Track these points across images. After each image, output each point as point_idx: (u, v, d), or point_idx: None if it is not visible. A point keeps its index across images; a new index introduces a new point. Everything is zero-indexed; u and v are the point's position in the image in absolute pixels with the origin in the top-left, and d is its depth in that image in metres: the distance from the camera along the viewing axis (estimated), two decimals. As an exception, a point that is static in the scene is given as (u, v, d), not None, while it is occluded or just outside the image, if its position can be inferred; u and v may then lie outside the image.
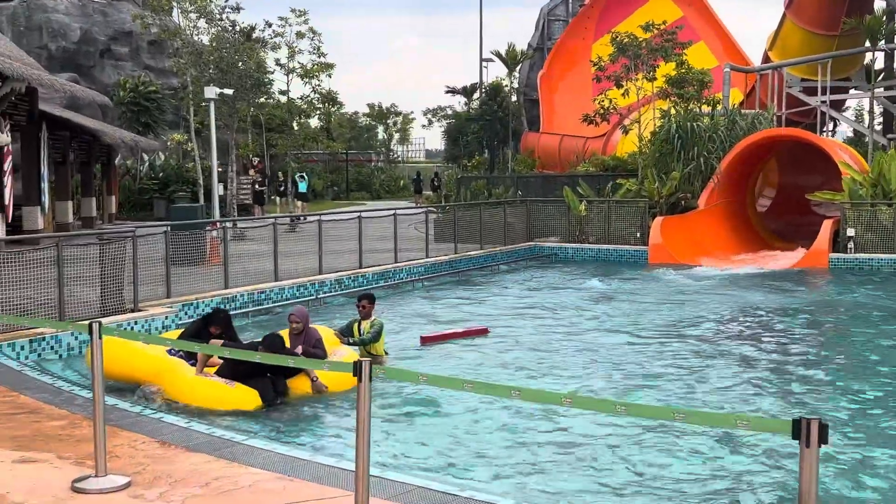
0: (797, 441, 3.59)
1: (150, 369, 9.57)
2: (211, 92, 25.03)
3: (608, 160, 31.18)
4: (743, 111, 27.81)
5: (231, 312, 11.66)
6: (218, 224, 18.27)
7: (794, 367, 11.48)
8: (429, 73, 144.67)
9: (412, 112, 72.12)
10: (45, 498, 5.58)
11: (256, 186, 34.05)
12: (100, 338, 5.92)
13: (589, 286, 19.15)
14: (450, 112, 57.85)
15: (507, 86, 46.52)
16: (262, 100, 35.39)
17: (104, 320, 9.94)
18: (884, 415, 9.15)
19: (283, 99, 39.44)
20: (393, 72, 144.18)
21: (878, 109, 35.31)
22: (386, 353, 11.31)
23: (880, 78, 34.69)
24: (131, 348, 9.52)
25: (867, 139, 32.65)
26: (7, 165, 19.73)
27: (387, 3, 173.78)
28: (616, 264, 23.19)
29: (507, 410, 8.80)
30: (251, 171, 36.48)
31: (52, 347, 11.05)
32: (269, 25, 32.70)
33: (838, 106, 36.50)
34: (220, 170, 28.88)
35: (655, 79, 26.94)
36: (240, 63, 29.12)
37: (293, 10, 34.44)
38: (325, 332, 10.83)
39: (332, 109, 47.29)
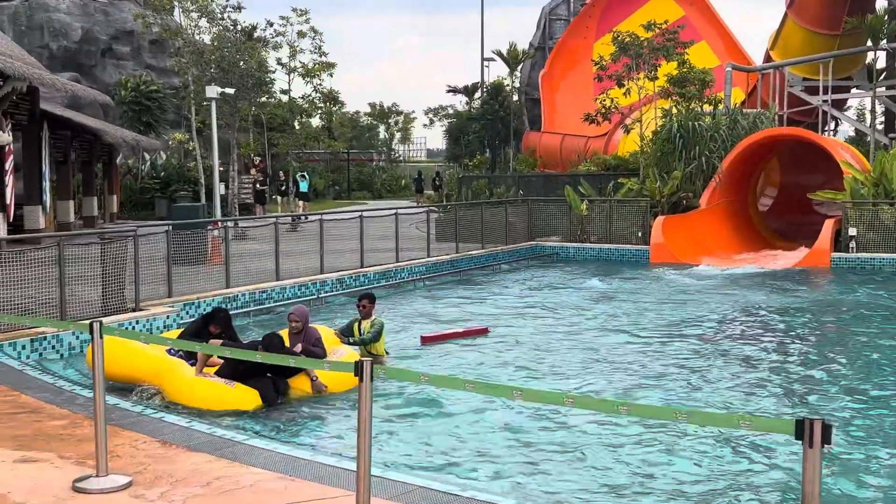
0: (800, 441, 3.57)
1: (150, 370, 9.56)
2: (212, 91, 25.03)
3: (610, 159, 31.17)
4: (744, 110, 27.79)
5: (232, 312, 11.68)
6: (219, 223, 18.27)
7: (795, 366, 11.47)
8: (430, 73, 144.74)
9: (413, 111, 72.27)
10: (46, 498, 5.57)
11: (258, 186, 34.08)
12: (101, 337, 5.91)
13: (590, 286, 19.14)
14: (451, 111, 57.80)
15: (508, 85, 46.46)
16: (264, 99, 35.41)
17: (105, 320, 9.95)
18: (887, 415, 9.13)
19: (285, 98, 39.46)
20: (394, 71, 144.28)
21: (879, 109, 35.24)
22: (387, 353, 11.30)
23: (882, 77, 34.62)
24: (130, 348, 9.50)
25: (869, 138, 32.62)
26: (8, 165, 19.74)
27: (388, 3, 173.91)
28: (617, 264, 23.18)
29: (509, 410, 8.79)
30: (252, 171, 36.50)
31: (53, 347, 11.05)
32: (271, 25, 32.72)
33: (840, 105, 36.48)
34: (221, 169, 28.88)
35: (657, 78, 26.91)
36: (241, 62, 29.12)
37: (294, 10, 34.43)
38: (325, 332, 10.82)
39: (334, 109, 47.26)
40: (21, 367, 9.76)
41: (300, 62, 35.19)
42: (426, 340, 12.57)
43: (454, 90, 52.81)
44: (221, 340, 9.70)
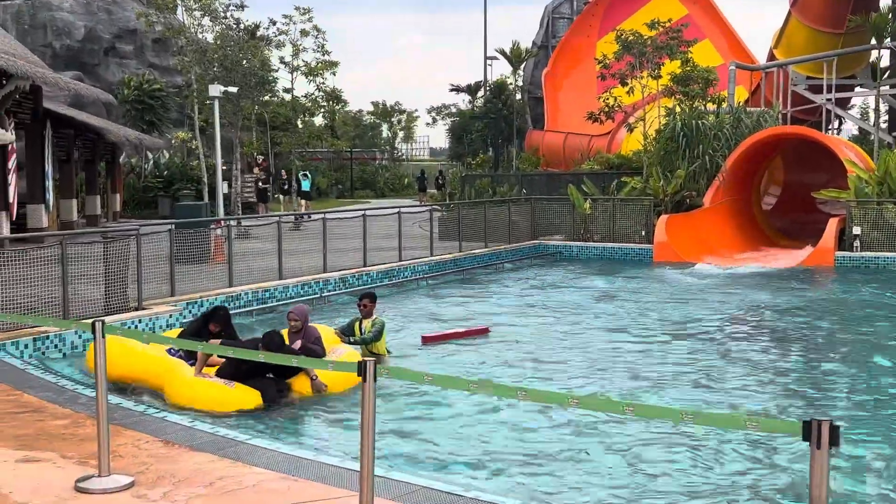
0: (807, 442, 3.53)
1: (150, 370, 9.52)
2: (215, 90, 25.02)
3: (613, 158, 31.13)
4: (748, 109, 27.74)
5: (235, 311, 11.65)
6: (222, 222, 18.25)
7: (799, 365, 11.43)
8: (433, 71, 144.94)
9: (416, 110, 72.34)
10: (48, 497, 5.55)
11: (260, 184, 34.06)
12: (103, 336, 5.89)
13: (593, 284, 19.10)
14: (454, 110, 57.82)
15: (511, 84, 46.40)
16: (267, 98, 35.41)
17: (108, 319, 9.91)
18: (893, 414, 9.09)
19: (288, 97, 39.45)
20: (397, 70, 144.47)
21: (883, 107, 35.13)
22: (388, 353, 11.28)
23: (886, 76, 34.54)
24: (130, 349, 9.47)
25: (873, 137, 32.51)
26: (11, 163, 19.72)
27: (391, 1, 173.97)
28: (621, 262, 23.14)
29: (512, 410, 8.76)
30: (255, 169, 36.50)
31: (55, 346, 11.04)
32: (274, 23, 32.70)
33: (844, 104, 36.38)
34: (224, 168, 28.88)
35: (660, 76, 26.88)
36: (244, 61, 29.11)
37: (297, 8, 34.45)
38: (325, 331, 10.79)
39: (337, 107, 47.19)
40: (23, 366, 9.74)
41: (303, 61, 35.24)
42: (427, 340, 12.54)
43: (457, 89, 52.81)
44: (221, 339, 9.67)
